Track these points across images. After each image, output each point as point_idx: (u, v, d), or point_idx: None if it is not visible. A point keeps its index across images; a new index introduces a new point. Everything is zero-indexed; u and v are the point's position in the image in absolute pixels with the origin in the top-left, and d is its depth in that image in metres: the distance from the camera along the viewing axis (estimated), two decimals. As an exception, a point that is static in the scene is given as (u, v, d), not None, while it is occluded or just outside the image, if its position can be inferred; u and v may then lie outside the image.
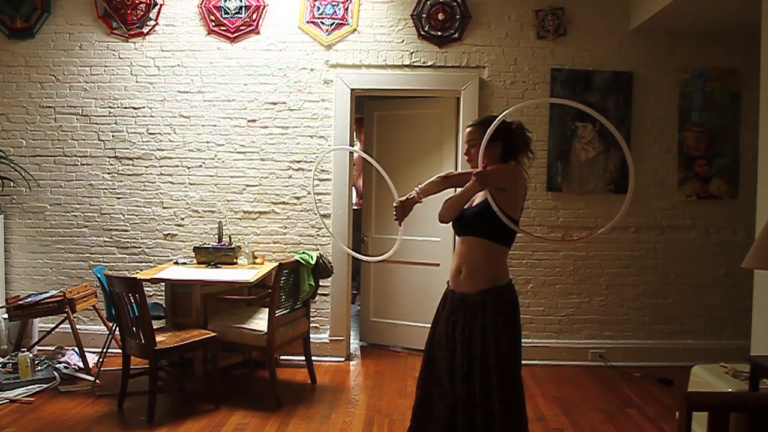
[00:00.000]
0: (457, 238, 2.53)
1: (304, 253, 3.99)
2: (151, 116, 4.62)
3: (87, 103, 4.63)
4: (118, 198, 4.66)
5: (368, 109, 5.08)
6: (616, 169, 4.55)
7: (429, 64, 4.54)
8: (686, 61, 4.55)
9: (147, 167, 4.64)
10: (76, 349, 4.13)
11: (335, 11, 4.51)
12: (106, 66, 4.61)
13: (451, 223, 2.48)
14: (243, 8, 4.52)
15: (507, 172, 2.38)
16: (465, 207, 2.45)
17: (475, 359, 2.33)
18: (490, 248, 2.39)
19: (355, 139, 4.97)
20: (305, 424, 3.39)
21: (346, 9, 4.50)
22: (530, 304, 4.60)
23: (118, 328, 3.57)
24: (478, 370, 2.31)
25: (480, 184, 2.31)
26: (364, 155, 3.34)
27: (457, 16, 4.49)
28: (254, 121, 4.59)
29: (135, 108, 4.62)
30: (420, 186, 2.56)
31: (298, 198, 4.60)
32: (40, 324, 4.46)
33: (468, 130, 2.49)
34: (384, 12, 4.53)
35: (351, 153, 4.69)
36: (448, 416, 2.37)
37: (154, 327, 3.47)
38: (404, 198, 2.53)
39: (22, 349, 3.98)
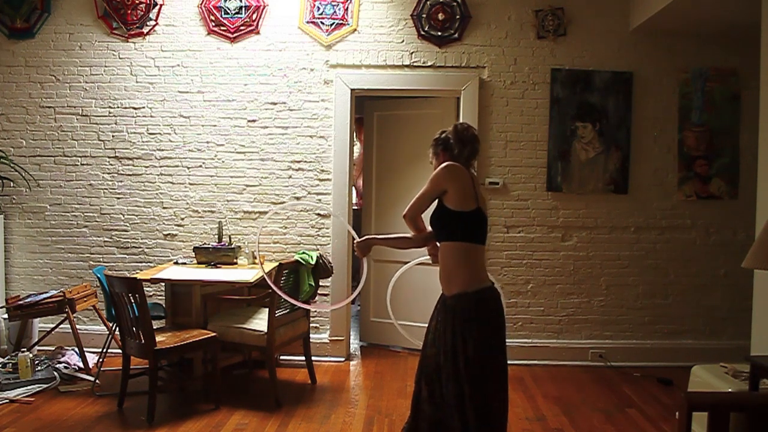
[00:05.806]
0: None
1: (304, 253, 3.99)
2: (151, 116, 4.62)
3: (87, 103, 4.64)
4: (118, 198, 4.66)
5: (368, 109, 5.08)
6: (616, 169, 4.55)
7: (429, 64, 4.54)
8: (686, 61, 4.55)
9: (147, 167, 4.64)
10: (76, 349, 4.12)
11: (335, 11, 4.51)
12: (106, 66, 4.61)
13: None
14: (243, 8, 4.52)
15: (436, 177, 2.41)
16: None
17: (449, 362, 2.34)
18: (458, 248, 2.39)
19: (355, 139, 4.96)
20: (305, 424, 3.39)
21: (346, 9, 4.50)
22: (530, 304, 4.59)
23: (118, 328, 3.57)
24: (452, 375, 2.32)
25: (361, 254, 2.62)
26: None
27: (457, 16, 4.49)
28: (254, 121, 4.59)
29: (135, 108, 4.62)
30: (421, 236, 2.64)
31: (298, 198, 4.60)
32: (40, 324, 4.46)
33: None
34: (384, 12, 4.53)
35: (351, 154, 4.67)
36: (437, 415, 2.39)
37: (154, 327, 3.48)
38: (428, 248, 2.64)
39: (22, 349, 3.98)
